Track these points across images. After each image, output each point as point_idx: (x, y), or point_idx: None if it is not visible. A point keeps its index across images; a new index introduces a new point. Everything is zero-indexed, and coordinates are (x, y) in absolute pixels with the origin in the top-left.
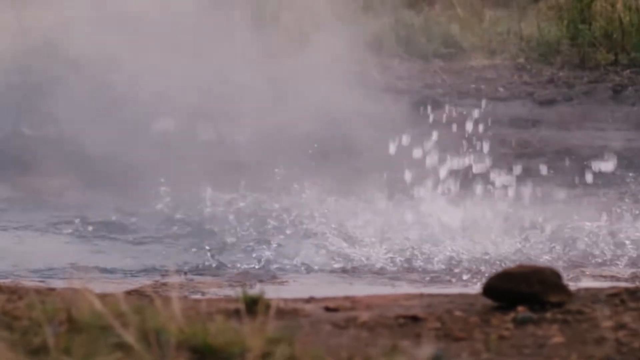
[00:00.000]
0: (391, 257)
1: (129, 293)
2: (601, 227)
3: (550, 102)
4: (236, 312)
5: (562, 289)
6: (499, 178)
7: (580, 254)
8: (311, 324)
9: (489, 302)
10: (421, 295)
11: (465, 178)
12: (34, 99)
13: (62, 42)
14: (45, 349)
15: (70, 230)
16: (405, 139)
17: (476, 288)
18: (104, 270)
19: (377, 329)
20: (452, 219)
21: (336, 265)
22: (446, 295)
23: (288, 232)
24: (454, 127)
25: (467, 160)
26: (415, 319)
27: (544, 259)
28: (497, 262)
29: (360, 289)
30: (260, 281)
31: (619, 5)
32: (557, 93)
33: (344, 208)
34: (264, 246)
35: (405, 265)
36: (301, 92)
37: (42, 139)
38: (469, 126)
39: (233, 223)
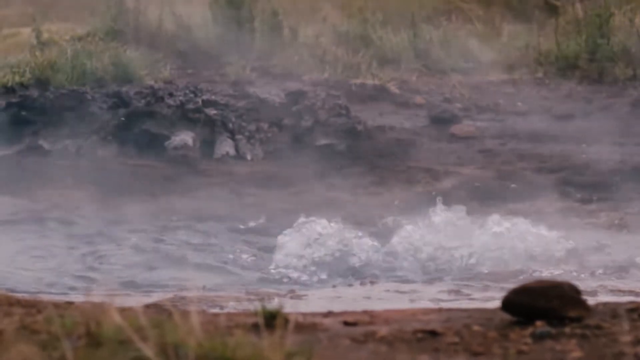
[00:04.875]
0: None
1: (147, 307)
2: (618, 241)
3: (568, 117)
4: (255, 327)
5: (581, 303)
6: (516, 192)
7: (598, 268)
8: (329, 339)
9: (507, 316)
10: (439, 310)
11: (481, 191)
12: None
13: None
14: None
15: (88, 244)
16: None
17: (495, 303)
18: (123, 284)
19: (396, 343)
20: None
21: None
22: (464, 310)
23: (304, 245)
24: (471, 141)
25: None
26: (433, 333)
27: (561, 273)
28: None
29: (378, 303)
30: (279, 295)
31: (638, 21)
32: (575, 108)
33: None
34: (282, 260)
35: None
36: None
37: (60, 152)
38: (487, 140)
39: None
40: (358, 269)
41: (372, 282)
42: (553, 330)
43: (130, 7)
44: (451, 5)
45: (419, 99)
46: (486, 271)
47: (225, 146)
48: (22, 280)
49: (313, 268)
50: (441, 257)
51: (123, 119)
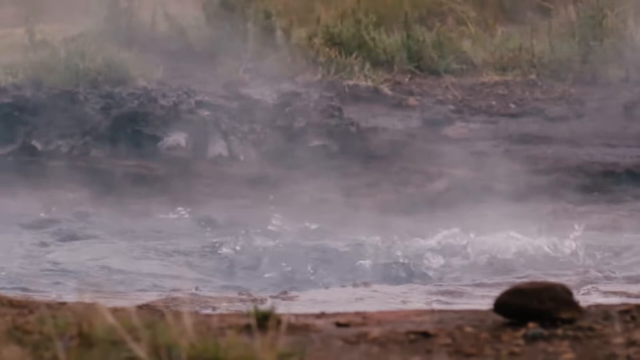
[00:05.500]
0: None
1: (140, 307)
2: (612, 243)
3: (561, 119)
4: (247, 328)
5: (573, 305)
6: (509, 193)
7: (590, 270)
8: (322, 340)
9: (499, 318)
10: (432, 311)
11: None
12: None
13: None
14: None
15: (80, 245)
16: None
17: (487, 304)
18: (115, 285)
19: (388, 344)
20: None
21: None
22: (457, 312)
23: (299, 247)
24: (464, 143)
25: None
26: (426, 334)
27: (553, 275)
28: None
29: (371, 304)
30: (271, 296)
31: (631, 22)
32: (568, 110)
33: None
34: (274, 261)
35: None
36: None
37: (53, 153)
38: (480, 142)
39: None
40: (347, 271)
41: (364, 284)
42: (545, 332)
43: (123, 8)
44: (444, 6)
45: (411, 101)
46: (477, 273)
47: (218, 147)
48: (14, 280)
49: (306, 268)
50: (432, 259)
51: (116, 119)
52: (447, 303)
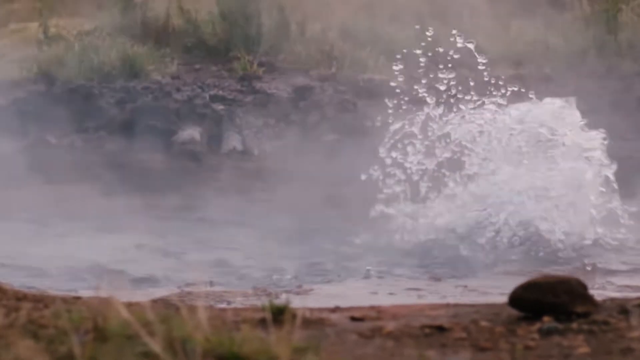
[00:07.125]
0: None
1: (154, 302)
2: (624, 236)
3: None
4: (262, 322)
5: (588, 299)
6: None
7: (605, 264)
8: (337, 334)
9: (514, 312)
10: (447, 305)
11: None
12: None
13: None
14: (71, 358)
15: (95, 238)
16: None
17: (502, 298)
18: (130, 279)
19: (403, 338)
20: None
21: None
22: (472, 305)
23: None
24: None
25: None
26: (441, 329)
27: (567, 267)
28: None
29: (386, 298)
30: (286, 291)
31: None
32: (583, 103)
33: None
34: (291, 255)
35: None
36: None
37: (67, 147)
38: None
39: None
40: (358, 264)
41: (379, 277)
42: (560, 326)
43: (137, 1)
44: (459, 0)
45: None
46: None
47: (233, 141)
48: (31, 275)
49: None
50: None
51: (130, 114)
52: (462, 296)
